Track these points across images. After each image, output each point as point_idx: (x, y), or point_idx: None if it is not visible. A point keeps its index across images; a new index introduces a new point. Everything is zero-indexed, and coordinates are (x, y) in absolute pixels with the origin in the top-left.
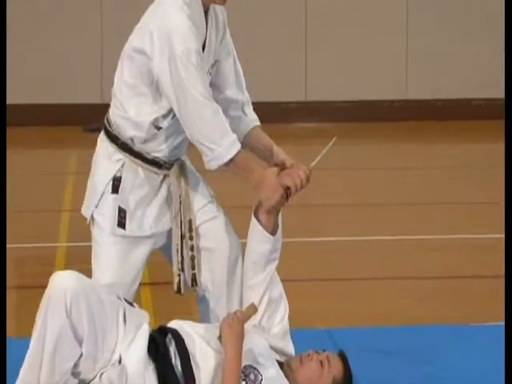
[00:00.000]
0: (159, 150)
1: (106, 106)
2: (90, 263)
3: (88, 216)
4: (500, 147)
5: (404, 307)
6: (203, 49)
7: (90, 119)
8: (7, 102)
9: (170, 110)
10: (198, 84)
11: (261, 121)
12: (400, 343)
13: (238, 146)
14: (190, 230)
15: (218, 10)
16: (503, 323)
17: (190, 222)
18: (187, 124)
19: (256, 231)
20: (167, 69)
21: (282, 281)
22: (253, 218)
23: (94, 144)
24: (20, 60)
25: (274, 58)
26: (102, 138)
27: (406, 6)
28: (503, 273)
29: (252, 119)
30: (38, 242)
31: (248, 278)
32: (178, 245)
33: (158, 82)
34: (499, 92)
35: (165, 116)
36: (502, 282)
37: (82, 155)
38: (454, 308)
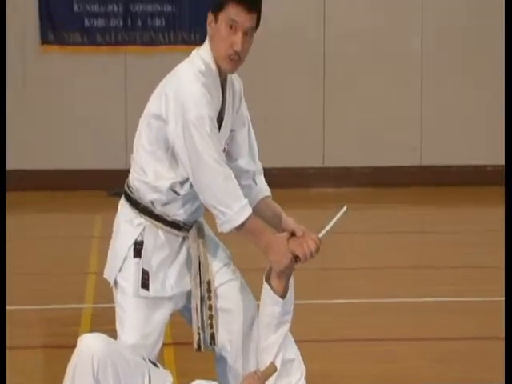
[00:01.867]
0: (178, 213)
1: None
2: (114, 324)
3: (111, 280)
4: None
5: (422, 367)
6: (221, 119)
7: (115, 184)
8: (37, 168)
9: (187, 178)
10: (211, 150)
11: (280, 186)
12: None
13: (250, 210)
14: (209, 291)
15: (235, 81)
16: None
17: (209, 282)
18: (201, 188)
19: (267, 294)
20: (181, 134)
21: (308, 341)
22: (264, 283)
23: (117, 208)
24: (48, 129)
25: (294, 126)
26: (122, 203)
27: (420, 75)
28: None
29: (262, 189)
30: (65, 303)
31: (261, 341)
32: (197, 304)
33: (173, 147)
34: None
35: (182, 183)
36: None
37: (106, 219)
38: (473, 369)
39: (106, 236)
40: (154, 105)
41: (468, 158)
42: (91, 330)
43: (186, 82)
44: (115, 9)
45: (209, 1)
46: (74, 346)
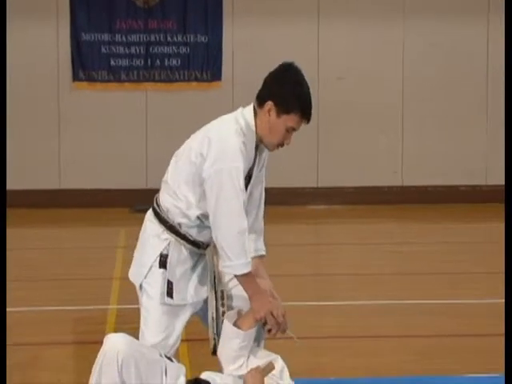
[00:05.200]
0: (200, 235)
1: (150, 190)
2: (135, 323)
3: (137, 284)
4: (485, 227)
5: (402, 361)
6: (250, 177)
7: (137, 201)
8: (68, 187)
9: None
10: (237, 200)
11: (279, 203)
12: None
13: (250, 268)
14: (222, 298)
15: (265, 148)
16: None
17: (222, 292)
18: (216, 228)
19: (229, 329)
20: (213, 176)
21: (299, 338)
22: (225, 320)
23: (139, 222)
24: (81, 153)
25: (293, 153)
26: (150, 218)
27: (401, 109)
28: (496, 332)
29: (259, 248)
30: (93, 304)
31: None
32: (213, 313)
33: (204, 183)
34: (482, 179)
35: (207, 216)
36: (492, 340)
37: (129, 232)
38: (450, 361)
39: (130, 246)
40: (196, 143)
41: (442, 179)
42: (116, 329)
43: (229, 134)
44: (137, 50)
45: (218, 42)
46: (100, 343)
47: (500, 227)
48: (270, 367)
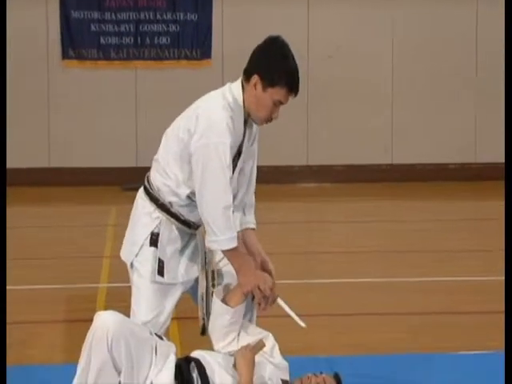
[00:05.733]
0: (191, 215)
1: (141, 169)
2: (126, 301)
3: (128, 262)
4: (474, 204)
5: (394, 339)
6: (240, 152)
7: (127, 179)
8: (58, 166)
9: None
10: (221, 176)
11: (269, 181)
12: (389, 370)
13: (236, 243)
14: (213, 279)
15: (254, 124)
16: (487, 352)
17: (213, 272)
18: (201, 204)
19: (218, 305)
20: (200, 151)
21: (287, 316)
22: (214, 296)
23: (130, 200)
24: (70, 131)
25: (282, 132)
26: (142, 196)
27: (391, 87)
28: (486, 310)
29: (249, 221)
30: (83, 282)
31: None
32: (203, 293)
33: (191, 157)
34: (471, 157)
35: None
36: (484, 318)
37: (120, 210)
38: (442, 339)
39: (120, 224)
40: (185, 121)
41: (432, 157)
42: (106, 307)
43: (216, 109)
44: (127, 28)
45: (208, 20)
46: (91, 321)
47: (489, 205)
48: (260, 345)
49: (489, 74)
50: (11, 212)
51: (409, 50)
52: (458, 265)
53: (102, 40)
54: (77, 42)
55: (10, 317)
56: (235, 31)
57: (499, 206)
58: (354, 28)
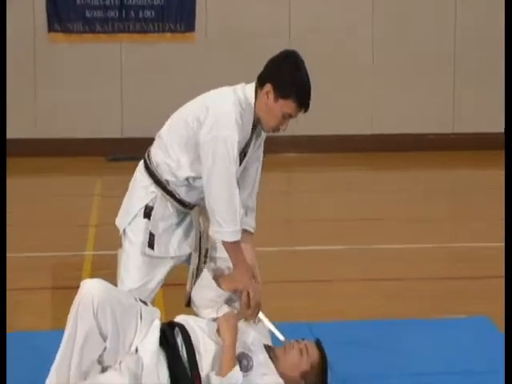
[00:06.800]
0: (187, 195)
1: (126, 140)
2: (112, 268)
3: (121, 229)
4: (452, 174)
5: (372, 305)
6: (245, 154)
7: (112, 151)
8: (44, 137)
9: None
10: (228, 169)
11: None
12: (367, 335)
13: (239, 237)
14: (205, 257)
15: (261, 130)
16: (461, 317)
17: (207, 250)
18: (208, 194)
19: (207, 279)
20: (210, 143)
21: (272, 282)
22: (205, 269)
23: (115, 171)
24: (55, 103)
25: None
26: (141, 170)
27: (371, 59)
28: (462, 275)
29: (249, 224)
30: (69, 250)
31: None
32: (194, 269)
33: (200, 149)
34: (449, 128)
35: (196, 178)
36: (462, 283)
37: (105, 180)
38: (415, 305)
39: (106, 195)
40: (194, 107)
41: (411, 128)
42: (92, 274)
43: (226, 103)
44: (112, 2)
45: None
46: (77, 288)
47: (467, 174)
48: (243, 311)
49: (467, 48)
50: None
51: (389, 23)
52: (435, 232)
53: (87, 13)
54: (62, 15)
55: None
56: (219, 5)
57: (475, 175)
58: (335, 1)
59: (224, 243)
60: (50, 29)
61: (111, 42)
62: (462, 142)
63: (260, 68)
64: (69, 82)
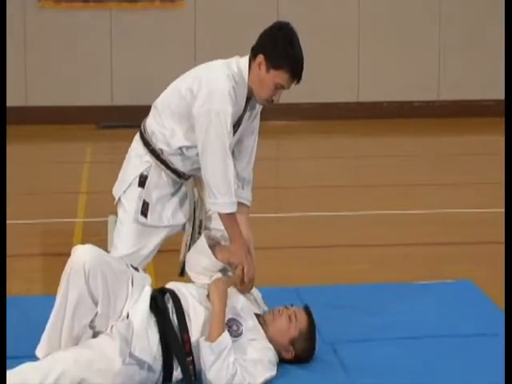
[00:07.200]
0: (182, 165)
1: (115, 107)
2: (103, 235)
3: (116, 197)
4: (437, 140)
5: (359, 270)
6: (238, 126)
7: (102, 118)
8: (34, 104)
9: (196, 146)
10: (222, 141)
11: None
12: (355, 299)
13: (235, 209)
14: (200, 228)
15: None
16: (446, 281)
17: (201, 221)
18: (204, 166)
19: (203, 245)
20: (204, 116)
21: (267, 248)
22: (202, 235)
23: (105, 138)
24: (47, 71)
25: None
26: (137, 139)
27: (357, 26)
28: (445, 241)
29: (245, 197)
30: (60, 217)
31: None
32: (187, 240)
33: (194, 121)
34: (434, 95)
35: (190, 148)
36: (443, 249)
37: (95, 148)
38: (403, 270)
39: (96, 162)
40: (188, 79)
41: (397, 95)
42: (83, 241)
43: (219, 76)
44: None
45: None
46: (68, 254)
47: (450, 140)
48: (234, 278)
49: (453, 15)
50: None
51: None
52: (421, 198)
53: None
54: None
55: None
56: None
57: (461, 142)
58: None
59: (220, 215)
60: None
61: (101, 10)
62: (447, 109)
63: (247, 35)
64: (58, 50)
